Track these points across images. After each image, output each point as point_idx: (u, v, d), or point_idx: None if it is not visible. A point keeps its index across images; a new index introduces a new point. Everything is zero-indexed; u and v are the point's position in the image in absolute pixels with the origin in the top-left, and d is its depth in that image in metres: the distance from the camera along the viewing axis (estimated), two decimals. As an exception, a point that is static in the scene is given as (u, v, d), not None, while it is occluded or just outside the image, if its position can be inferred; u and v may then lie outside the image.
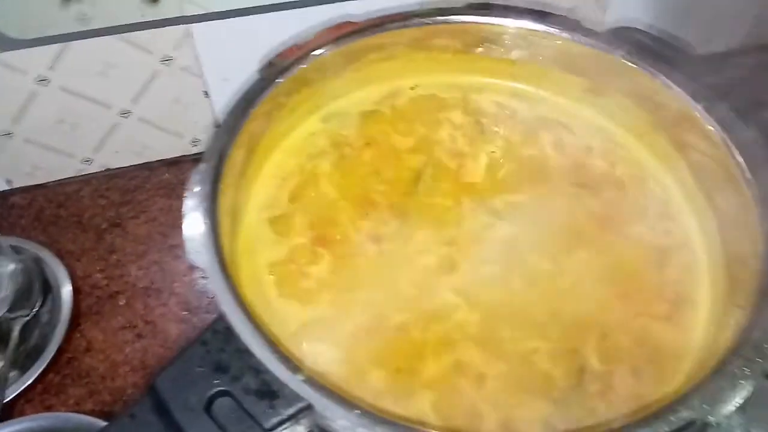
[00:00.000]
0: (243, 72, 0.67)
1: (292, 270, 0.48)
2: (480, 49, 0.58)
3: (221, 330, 0.38)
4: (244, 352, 0.37)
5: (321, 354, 0.43)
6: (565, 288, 0.48)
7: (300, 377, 0.35)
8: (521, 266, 0.49)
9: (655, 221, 0.53)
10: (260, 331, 0.37)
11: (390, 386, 0.43)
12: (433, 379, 0.43)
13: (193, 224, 0.41)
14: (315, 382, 0.35)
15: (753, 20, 0.78)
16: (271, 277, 0.47)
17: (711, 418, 0.35)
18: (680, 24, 0.75)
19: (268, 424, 0.35)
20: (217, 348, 0.37)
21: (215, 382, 0.36)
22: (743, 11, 0.78)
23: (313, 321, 0.45)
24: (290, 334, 0.43)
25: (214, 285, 0.38)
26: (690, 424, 0.35)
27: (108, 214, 0.76)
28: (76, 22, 0.63)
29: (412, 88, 0.60)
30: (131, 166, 0.79)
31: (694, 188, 0.53)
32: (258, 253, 0.48)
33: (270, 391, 0.36)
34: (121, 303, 0.69)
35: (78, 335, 0.67)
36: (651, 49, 0.55)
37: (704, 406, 0.35)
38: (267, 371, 0.36)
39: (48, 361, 0.64)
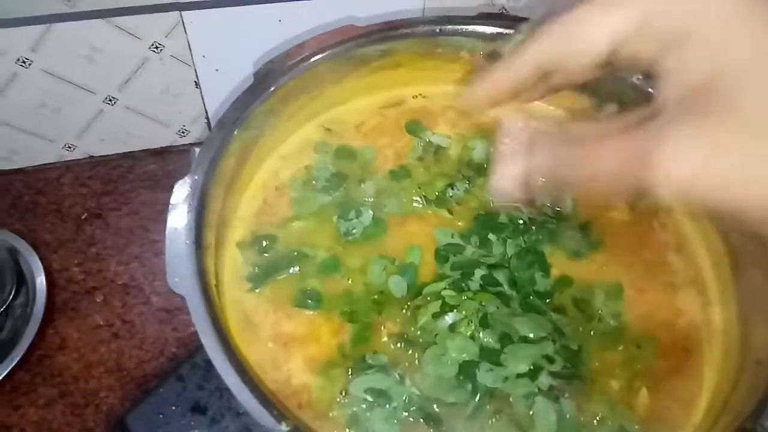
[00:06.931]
0: (236, 63, 0.64)
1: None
2: (489, 61, 0.55)
3: (201, 364, 0.35)
4: (225, 391, 0.34)
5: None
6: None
7: (285, 427, 0.33)
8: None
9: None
10: (244, 371, 0.34)
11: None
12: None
13: (176, 246, 0.38)
14: (301, 432, 0.33)
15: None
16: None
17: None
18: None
19: (247, 474, 0.33)
20: (195, 385, 0.35)
21: (192, 423, 0.34)
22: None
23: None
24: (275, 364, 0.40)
25: (195, 316, 0.35)
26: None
27: (89, 204, 0.72)
28: (61, 3, 0.59)
29: (414, 97, 0.57)
30: (115, 154, 0.75)
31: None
32: (243, 272, 0.45)
33: (252, 437, 0.34)
34: (98, 299, 0.66)
35: (51, 332, 0.64)
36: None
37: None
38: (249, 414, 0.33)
39: (19, 358, 0.60)
